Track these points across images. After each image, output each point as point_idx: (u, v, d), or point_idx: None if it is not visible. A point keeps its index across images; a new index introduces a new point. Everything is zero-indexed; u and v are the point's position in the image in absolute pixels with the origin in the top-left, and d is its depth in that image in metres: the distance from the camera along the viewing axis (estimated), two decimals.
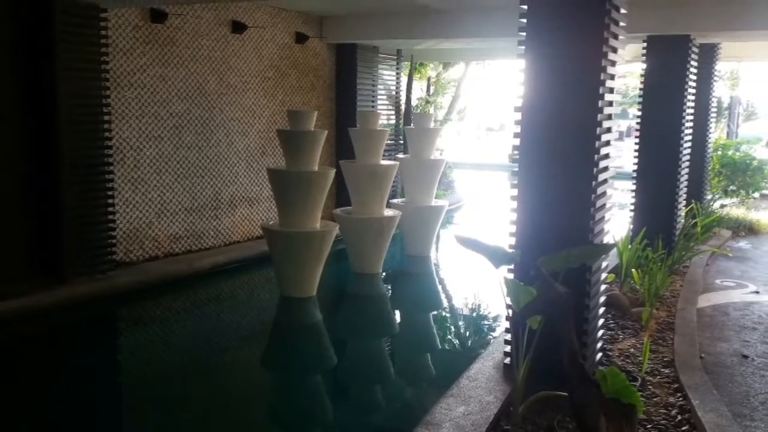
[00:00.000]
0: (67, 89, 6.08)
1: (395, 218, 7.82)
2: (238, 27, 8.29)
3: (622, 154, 9.10)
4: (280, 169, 6.87)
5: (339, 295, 7.73)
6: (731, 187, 11.67)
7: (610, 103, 4.03)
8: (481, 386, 3.92)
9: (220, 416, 4.36)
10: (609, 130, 4.06)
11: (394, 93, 11.71)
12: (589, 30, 3.76)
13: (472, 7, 8.52)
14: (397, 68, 11.63)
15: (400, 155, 10.03)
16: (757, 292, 6.48)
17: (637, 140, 7.97)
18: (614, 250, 6.12)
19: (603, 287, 4.38)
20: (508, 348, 4.16)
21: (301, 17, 9.42)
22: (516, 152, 4.10)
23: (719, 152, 11.72)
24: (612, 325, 5.28)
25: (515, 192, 4.07)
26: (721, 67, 10.95)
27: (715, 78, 9.91)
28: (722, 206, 10.90)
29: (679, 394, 3.97)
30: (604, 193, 4.10)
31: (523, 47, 3.96)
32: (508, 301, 3.44)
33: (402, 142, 11.39)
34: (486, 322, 6.62)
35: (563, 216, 3.89)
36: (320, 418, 4.56)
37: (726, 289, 6.59)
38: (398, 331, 6.58)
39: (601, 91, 3.79)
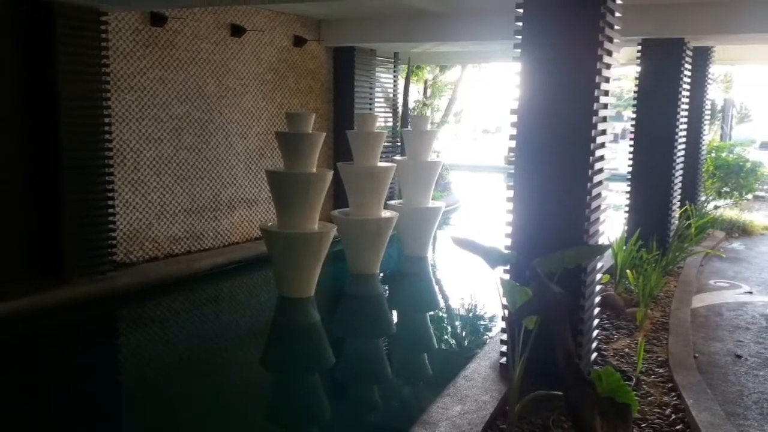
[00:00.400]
0: (67, 92, 6.12)
1: (392, 219, 7.87)
2: (237, 30, 8.34)
3: (616, 156, 9.18)
4: (278, 170, 6.92)
5: (337, 295, 7.76)
6: (725, 189, 11.74)
7: (605, 106, 4.05)
8: (477, 386, 3.95)
9: (219, 416, 4.40)
10: (604, 132, 4.08)
11: (391, 95, 11.76)
12: (584, 33, 3.79)
13: (468, 10, 8.58)
14: (395, 71, 11.68)
15: (398, 157, 10.10)
16: (751, 293, 6.53)
17: (632, 142, 8.01)
18: (609, 251, 6.17)
19: (598, 288, 4.41)
20: (504, 348, 4.18)
21: (299, 21, 9.47)
22: (512, 154, 4.12)
23: (713, 154, 11.80)
24: (607, 325, 5.31)
25: (511, 193, 4.09)
26: (714, 69, 11.02)
27: (709, 81, 9.97)
28: (716, 208, 10.96)
29: (674, 394, 4.00)
30: (599, 195, 4.13)
31: (519, 50, 3.99)
32: (504, 301, 3.47)
33: (399, 144, 11.44)
34: (482, 323, 6.67)
35: (559, 217, 3.92)
36: (318, 418, 4.59)
37: (720, 290, 6.64)
38: (395, 331, 6.61)
39: (596, 93, 3.82)
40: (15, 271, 6.11)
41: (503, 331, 4.23)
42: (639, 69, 7.90)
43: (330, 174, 6.87)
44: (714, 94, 14.70)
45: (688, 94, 8.23)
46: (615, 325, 5.35)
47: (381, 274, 7.96)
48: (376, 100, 10.98)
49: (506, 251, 3.92)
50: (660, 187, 7.83)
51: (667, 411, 3.79)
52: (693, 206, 9.12)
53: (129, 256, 7.25)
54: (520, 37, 3.98)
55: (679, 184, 8.33)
